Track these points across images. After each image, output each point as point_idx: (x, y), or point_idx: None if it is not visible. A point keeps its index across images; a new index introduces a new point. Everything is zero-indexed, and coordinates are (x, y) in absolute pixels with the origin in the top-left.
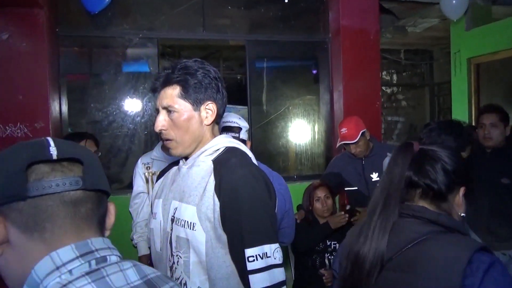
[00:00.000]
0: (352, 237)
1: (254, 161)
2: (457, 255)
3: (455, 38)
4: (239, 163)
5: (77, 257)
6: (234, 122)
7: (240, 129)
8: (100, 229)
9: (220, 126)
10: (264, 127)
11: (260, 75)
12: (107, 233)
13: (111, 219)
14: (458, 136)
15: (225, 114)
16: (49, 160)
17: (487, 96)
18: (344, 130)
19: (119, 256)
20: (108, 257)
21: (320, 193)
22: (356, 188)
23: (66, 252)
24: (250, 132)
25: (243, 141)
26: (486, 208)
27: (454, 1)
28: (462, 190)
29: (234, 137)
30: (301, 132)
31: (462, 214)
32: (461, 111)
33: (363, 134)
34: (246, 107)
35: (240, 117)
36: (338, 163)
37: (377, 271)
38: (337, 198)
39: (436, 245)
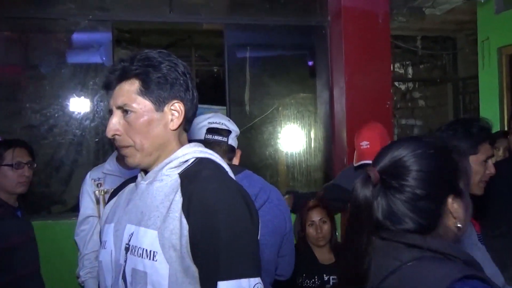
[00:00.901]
0: None
1: (231, 175)
2: (431, 286)
3: (483, 23)
4: (213, 176)
5: None
6: (222, 124)
7: (229, 132)
8: None
9: (203, 128)
10: (246, 133)
11: (242, 67)
12: None
13: None
14: (466, 135)
15: (211, 114)
16: None
17: None
18: (365, 144)
19: None
20: None
21: (315, 217)
22: None
23: None
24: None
25: (232, 148)
26: None
27: None
28: (450, 200)
29: (221, 142)
30: (293, 139)
31: (459, 225)
32: (490, 112)
33: None
34: (224, 107)
35: (230, 120)
36: (352, 176)
37: None
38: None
39: (413, 274)
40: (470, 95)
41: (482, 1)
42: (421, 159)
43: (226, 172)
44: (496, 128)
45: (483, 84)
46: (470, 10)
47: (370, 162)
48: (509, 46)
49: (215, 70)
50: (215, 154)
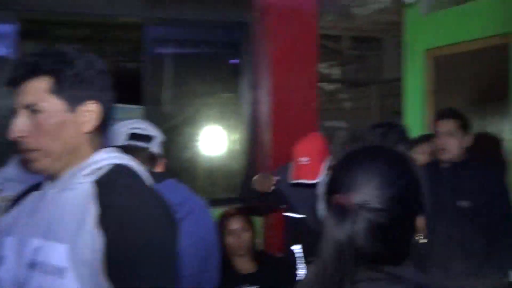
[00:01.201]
0: None
1: (150, 183)
2: None
3: (410, 25)
4: (130, 185)
5: None
6: (144, 130)
7: (152, 138)
8: None
9: (124, 134)
10: (163, 135)
11: (160, 64)
12: None
13: None
14: (381, 140)
15: (134, 120)
16: None
17: (447, 97)
18: (304, 160)
19: None
20: None
21: (235, 225)
22: (304, 216)
23: None
24: None
25: (154, 155)
26: (440, 238)
27: None
28: (419, 219)
29: (143, 148)
30: (214, 141)
31: (422, 241)
32: (415, 116)
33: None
34: (140, 107)
35: (153, 126)
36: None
37: None
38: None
39: None
40: (395, 98)
41: (407, 2)
42: (392, 180)
43: (144, 180)
44: (420, 132)
45: (408, 87)
46: (398, 11)
47: (308, 182)
48: (435, 48)
49: (131, 67)
50: (133, 161)
